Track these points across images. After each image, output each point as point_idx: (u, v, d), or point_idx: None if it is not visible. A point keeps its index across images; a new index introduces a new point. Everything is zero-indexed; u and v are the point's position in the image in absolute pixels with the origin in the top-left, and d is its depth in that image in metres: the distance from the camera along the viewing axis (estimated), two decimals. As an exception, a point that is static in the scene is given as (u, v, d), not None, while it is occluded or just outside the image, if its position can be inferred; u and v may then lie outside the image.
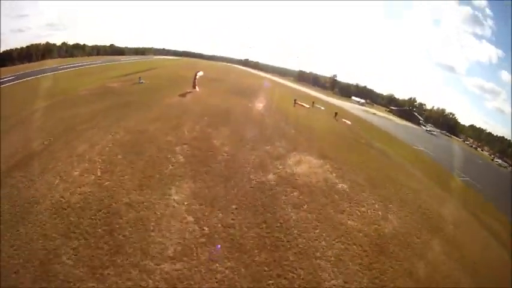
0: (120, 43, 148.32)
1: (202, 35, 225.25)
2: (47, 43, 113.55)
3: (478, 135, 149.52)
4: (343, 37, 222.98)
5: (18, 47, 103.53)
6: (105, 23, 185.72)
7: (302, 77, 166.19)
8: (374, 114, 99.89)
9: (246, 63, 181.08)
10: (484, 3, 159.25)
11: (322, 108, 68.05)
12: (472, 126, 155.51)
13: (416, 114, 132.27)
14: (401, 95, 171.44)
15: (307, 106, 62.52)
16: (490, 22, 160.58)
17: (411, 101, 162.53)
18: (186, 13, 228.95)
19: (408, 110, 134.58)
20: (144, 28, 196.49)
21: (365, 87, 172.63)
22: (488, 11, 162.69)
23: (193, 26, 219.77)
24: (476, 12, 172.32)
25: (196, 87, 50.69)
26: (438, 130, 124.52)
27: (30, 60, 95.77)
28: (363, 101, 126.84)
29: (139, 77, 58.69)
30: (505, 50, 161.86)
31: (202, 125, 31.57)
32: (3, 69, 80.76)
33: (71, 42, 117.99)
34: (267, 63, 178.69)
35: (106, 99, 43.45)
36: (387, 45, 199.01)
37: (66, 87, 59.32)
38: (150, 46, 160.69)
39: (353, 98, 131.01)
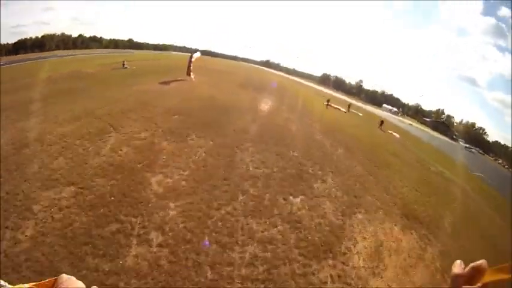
0: (140, 39, 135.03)
1: (224, 36, 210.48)
2: (63, 34, 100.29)
3: (504, 152, 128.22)
4: (364, 45, 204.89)
5: (33, 37, 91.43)
6: (129, 20, 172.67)
7: (325, 81, 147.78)
8: (411, 125, 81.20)
9: (267, 64, 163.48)
10: (509, 13, 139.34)
11: (360, 114, 50.28)
12: (497, 143, 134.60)
13: (450, 128, 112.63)
14: (426, 105, 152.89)
15: (344, 110, 45.56)
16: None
17: (439, 113, 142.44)
18: (210, 13, 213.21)
19: (442, 122, 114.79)
20: (167, 26, 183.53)
21: (391, 95, 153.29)
22: None
23: (215, 26, 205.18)
24: (500, 23, 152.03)
25: (192, 74, 33.82)
26: (473, 147, 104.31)
27: (43, 50, 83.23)
28: (395, 109, 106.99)
29: (123, 62, 41.98)
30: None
31: (159, 131, 14.44)
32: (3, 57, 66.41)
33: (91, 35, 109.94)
34: (288, 67, 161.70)
35: (56, 85, 27.07)
36: (409, 55, 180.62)
37: (39, 72, 43.02)
38: (171, 43, 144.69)
39: (384, 105, 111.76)
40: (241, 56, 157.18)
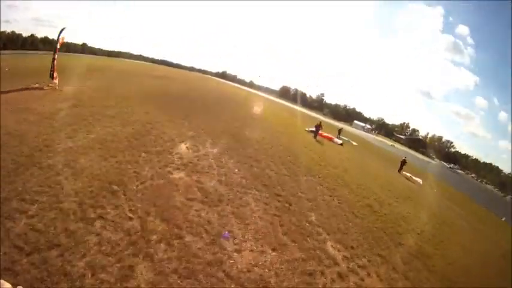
0: (97, 44, 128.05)
1: (183, 47, 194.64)
2: (11, 33, 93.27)
3: (464, 161, 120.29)
4: (320, 59, 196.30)
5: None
6: (94, 26, 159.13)
7: (286, 94, 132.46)
8: (392, 146, 66.71)
9: (223, 75, 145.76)
10: (467, 31, 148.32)
11: (354, 143, 33.69)
12: (457, 153, 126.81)
13: (427, 145, 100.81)
14: (387, 119, 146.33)
15: (339, 142, 27.93)
16: (470, 50, 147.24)
17: (403, 126, 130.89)
18: (171, 23, 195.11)
19: (418, 139, 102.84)
20: (129, 35, 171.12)
21: (354, 109, 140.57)
22: (470, 40, 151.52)
23: (175, 36, 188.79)
24: (458, 40, 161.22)
25: (56, 78, 17.74)
26: (455, 166, 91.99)
27: None
28: (368, 126, 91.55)
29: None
30: (482, 77, 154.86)
31: None
32: None
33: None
34: (244, 79, 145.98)
35: None
36: (368, 67, 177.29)
37: None
38: (127, 51, 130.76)
39: (356, 122, 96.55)
40: (198, 67, 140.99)
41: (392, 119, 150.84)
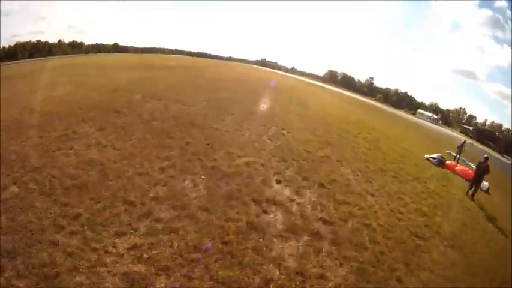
0: (129, 43, 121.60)
1: (220, 37, 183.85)
2: (38, 41, 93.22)
3: None
4: (359, 43, 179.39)
5: (6, 46, 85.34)
6: (125, 25, 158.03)
7: (332, 79, 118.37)
8: (471, 144, 51.45)
9: (263, 63, 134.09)
10: (505, 4, 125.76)
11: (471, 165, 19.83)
12: None
13: (496, 138, 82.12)
14: (443, 104, 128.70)
15: (486, 186, 12.77)
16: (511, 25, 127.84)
17: (459, 112, 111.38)
18: (204, 15, 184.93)
19: (486, 131, 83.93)
20: (161, 29, 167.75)
21: (406, 93, 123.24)
22: (509, 13, 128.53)
23: (212, 28, 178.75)
24: (497, 15, 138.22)
25: None
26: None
27: (15, 59, 75.58)
28: (435, 116, 77.34)
29: None
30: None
31: None
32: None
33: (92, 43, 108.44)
34: (286, 65, 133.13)
35: None
36: (408, 51, 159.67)
37: None
38: (161, 46, 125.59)
39: (420, 111, 80.00)
40: (236, 57, 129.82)
41: (443, 104, 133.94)
